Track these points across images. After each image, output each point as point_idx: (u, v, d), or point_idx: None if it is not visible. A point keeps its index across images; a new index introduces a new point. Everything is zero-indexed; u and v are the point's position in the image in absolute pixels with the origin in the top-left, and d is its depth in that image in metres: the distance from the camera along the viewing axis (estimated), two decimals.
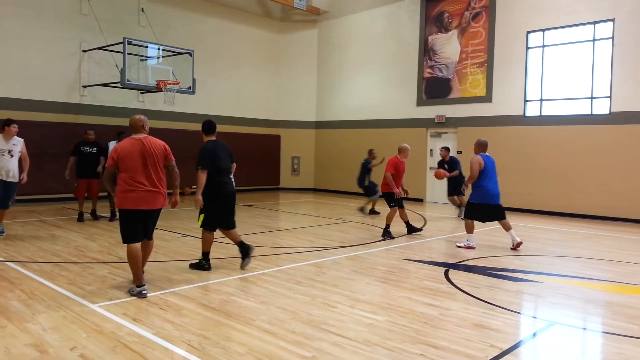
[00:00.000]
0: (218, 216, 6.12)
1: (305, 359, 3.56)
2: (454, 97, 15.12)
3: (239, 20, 17.76)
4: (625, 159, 11.86)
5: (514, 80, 13.82)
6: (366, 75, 17.47)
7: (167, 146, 5.22)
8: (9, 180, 7.78)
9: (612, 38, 12.17)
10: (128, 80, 12.38)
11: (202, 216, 6.10)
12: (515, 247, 7.92)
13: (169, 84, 13.12)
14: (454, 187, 11.50)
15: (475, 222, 8.04)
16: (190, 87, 13.64)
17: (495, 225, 8.93)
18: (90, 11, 13.77)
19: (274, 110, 19.09)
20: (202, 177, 5.86)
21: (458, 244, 8.12)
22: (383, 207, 10.69)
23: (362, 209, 12.32)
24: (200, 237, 6.23)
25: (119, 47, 12.63)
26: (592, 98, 12.61)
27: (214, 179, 5.97)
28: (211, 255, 6.24)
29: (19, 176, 7.97)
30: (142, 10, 14.95)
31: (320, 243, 8.25)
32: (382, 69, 16.97)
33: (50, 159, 12.73)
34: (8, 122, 7.77)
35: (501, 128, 13.96)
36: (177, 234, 8.69)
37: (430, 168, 15.53)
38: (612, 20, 12.16)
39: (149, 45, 13.54)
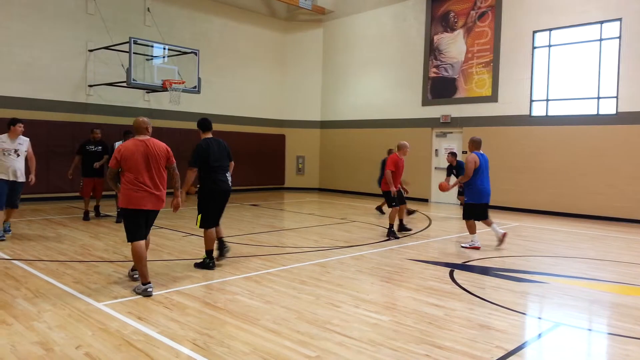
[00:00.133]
0: (213, 213, 6.23)
1: (310, 359, 3.56)
2: (460, 96, 15.07)
3: (245, 20, 17.78)
4: (632, 160, 11.77)
5: (520, 80, 13.75)
6: (371, 75, 17.44)
7: (169, 149, 5.34)
8: (18, 180, 7.78)
9: (619, 38, 12.10)
10: (134, 80, 12.42)
11: (199, 217, 6.19)
12: (502, 237, 7.99)
13: (175, 83, 13.14)
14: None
15: (476, 221, 8.06)
16: (195, 87, 13.68)
17: (501, 225, 8.88)
18: (96, 11, 13.83)
19: (279, 110, 19.10)
20: (190, 174, 6.06)
21: (463, 245, 8.11)
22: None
23: (379, 208, 12.33)
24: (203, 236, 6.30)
25: (125, 47, 12.70)
26: (598, 98, 12.53)
27: (209, 176, 6.09)
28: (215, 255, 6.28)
29: (27, 176, 7.97)
30: (148, 9, 14.99)
31: (325, 243, 8.25)
32: (388, 69, 16.93)
33: (56, 158, 12.82)
34: (14, 122, 7.75)
35: (507, 128, 13.90)
36: (182, 233, 8.72)
37: (436, 168, 15.51)
38: (620, 19, 12.07)
39: (155, 44, 13.59)
